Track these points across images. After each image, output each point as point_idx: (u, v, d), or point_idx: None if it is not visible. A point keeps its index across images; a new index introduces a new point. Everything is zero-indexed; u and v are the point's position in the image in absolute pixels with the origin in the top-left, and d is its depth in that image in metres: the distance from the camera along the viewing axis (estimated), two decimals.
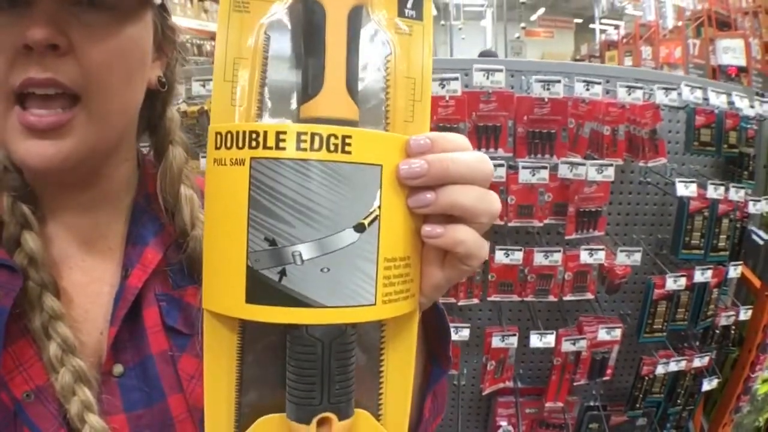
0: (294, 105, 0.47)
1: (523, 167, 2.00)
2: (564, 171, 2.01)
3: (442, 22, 12.00)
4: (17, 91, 0.64)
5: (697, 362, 2.29)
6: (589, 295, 2.20)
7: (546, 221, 2.13)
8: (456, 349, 2.28)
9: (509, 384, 2.32)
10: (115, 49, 0.67)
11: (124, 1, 0.68)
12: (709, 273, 2.19)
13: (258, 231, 0.42)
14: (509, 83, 2.06)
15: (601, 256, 2.11)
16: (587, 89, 1.95)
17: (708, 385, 2.35)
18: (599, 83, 1.95)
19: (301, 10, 0.45)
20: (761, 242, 2.30)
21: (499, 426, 2.38)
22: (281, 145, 0.42)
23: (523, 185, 2.04)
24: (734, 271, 2.26)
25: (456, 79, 1.96)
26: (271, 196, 0.42)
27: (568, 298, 2.19)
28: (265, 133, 0.42)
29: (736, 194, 2.14)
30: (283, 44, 0.46)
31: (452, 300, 2.19)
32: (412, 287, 0.48)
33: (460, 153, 0.49)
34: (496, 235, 2.19)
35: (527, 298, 2.18)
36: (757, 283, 2.36)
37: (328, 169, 0.42)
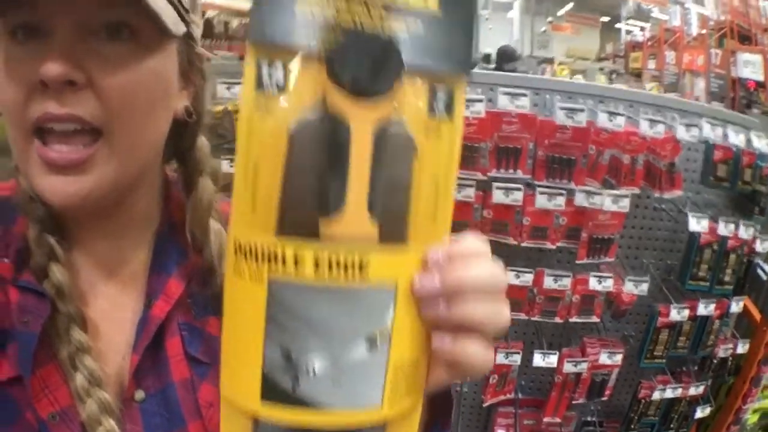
0: (313, 218, 0.45)
1: (541, 193, 2.03)
2: (580, 199, 2.04)
3: None
4: (36, 126, 0.64)
5: (693, 390, 2.35)
6: (595, 319, 2.25)
7: (559, 244, 2.16)
8: None
9: (510, 396, 2.38)
10: (135, 81, 0.66)
11: (143, 32, 0.66)
12: (713, 306, 2.24)
13: (273, 344, 0.44)
14: (533, 101, 2.07)
15: (609, 284, 2.15)
16: (611, 120, 1.97)
17: (701, 412, 2.41)
18: (623, 115, 1.97)
19: (326, 126, 0.44)
20: (765, 278, 2.34)
21: None
22: (299, 267, 0.43)
23: (539, 209, 2.07)
24: (737, 305, 2.31)
25: (480, 101, 1.99)
26: (287, 313, 0.44)
27: (574, 320, 2.24)
28: (284, 254, 0.43)
29: (746, 232, 2.18)
30: (305, 152, 0.44)
31: None
32: (419, 384, 0.50)
33: (476, 265, 0.49)
34: (509, 253, 2.22)
35: (534, 318, 2.22)
36: (757, 316, 2.40)
37: (344, 292, 0.44)
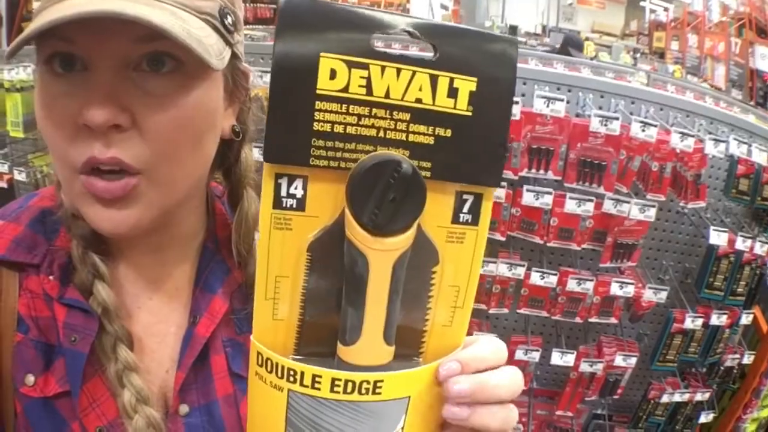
0: (331, 334, 0.47)
1: (570, 198, 2.09)
2: (608, 206, 2.10)
3: None
4: (81, 167, 0.63)
5: (699, 396, 2.44)
6: (614, 320, 2.32)
7: (584, 246, 2.23)
8: None
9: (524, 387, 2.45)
10: (181, 117, 0.64)
11: (187, 62, 0.63)
12: (725, 317, 2.32)
13: None
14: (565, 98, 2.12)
15: (630, 290, 2.22)
16: (643, 130, 2.02)
17: (704, 418, 2.50)
18: (655, 126, 2.02)
19: (346, 254, 0.44)
20: None
21: None
22: (316, 386, 0.45)
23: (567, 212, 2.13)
24: (746, 318, 2.39)
25: (516, 103, 2.03)
26: (304, 421, 0.47)
27: (593, 320, 2.31)
28: (303, 373, 0.45)
29: (761, 248, 2.26)
30: (323, 271, 0.45)
31: (483, 306, 2.30)
32: None
33: (496, 375, 0.51)
34: (533, 253, 2.29)
35: (555, 317, 2.29)
36: (765, 328, 2.49)
37: (358, 408, 0.47)
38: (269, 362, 0.46)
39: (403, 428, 0.50)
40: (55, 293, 0.72)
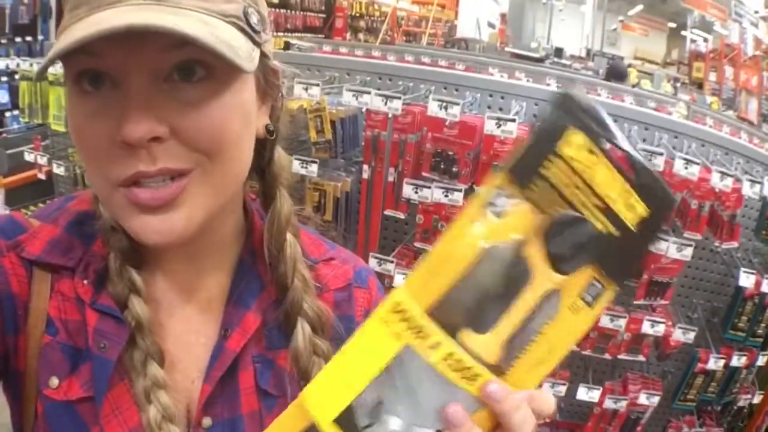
0: (461, 323, 0.53)
1: None
2: None
3: (544, 0, 11.73)
4: (125, 182, 0.62)
5: None
6: (641, 358, 2.29)
7: None
8: None
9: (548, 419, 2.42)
10: (218, 123, 0.64)
11: (218, 70, 0.63)
12: (744, 359, 2.31)
13: (375, 389, 0.53)
14: None
15: (660, 329, 2.19)
16: (686, 167, 1.99)
17: None
18: (698, 164, 1.99)
19: (515, 262, 0.52)
20: None
21: None
22: (433, 351, 0.52)
23: None
24: (762, 358, 2.38)
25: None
26: (401, 376, 0.53)
27: (621, 356, 2.28)
28: (429, 335, 0.52)
29: None
30: (486, 270, 0.52)
31: None
32: None
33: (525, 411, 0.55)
34: None
35: (585, 351, 2.26)
36: None
37: (450, 386, 0.53)
38: (405, 313, 0.52)
39: None
40: (88, 298, 0.71)
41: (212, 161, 0.64)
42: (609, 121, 0.52)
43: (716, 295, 2.37)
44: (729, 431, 2.60)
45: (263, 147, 0.78)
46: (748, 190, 2.07)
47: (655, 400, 2.30)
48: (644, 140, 2.13)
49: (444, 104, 1.92)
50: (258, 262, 0.80)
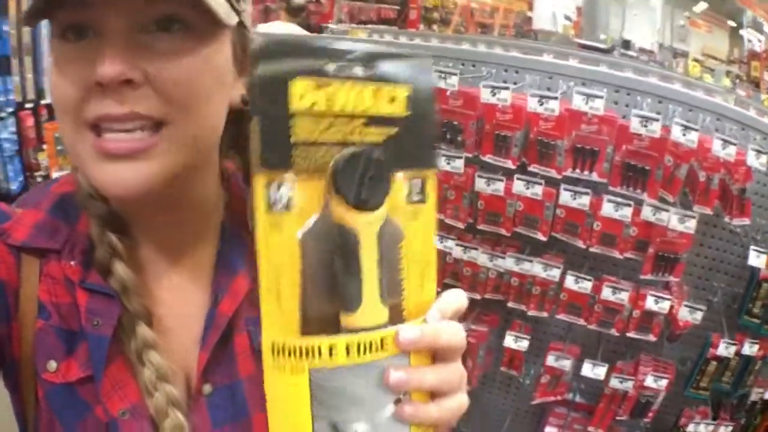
0: (333, 315, 0.53)
1: (608, 201, 2.06)
2: (647, 213, 2.06)
3: None
4: (94, 123, 0.64)
5: (723, 430, 2.33)
6: (652, 338, 2.24)
7: (626, 254, 2.18)
8: (519, 354, 2.41)
9: (560, 397, 2.42)
10: (191, 72, 0.66)
11: (196, 24, 0.66)
12: (756, 347, 2.21)
13: (321, 420, 0.52)
14: (612, 99, 2.11)
15: (665, 306, 2.15)
16: (684, 134, 1.97)
17: None
18: (696, 129, 1.97)
19: (335, 234, 0.52)
20: None
21: None
22: (333, 355, 0.51)
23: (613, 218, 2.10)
24: None
25: (555, 98, 2.03)
26: (328, 393, 0.52)
27: (630, 335, 2.24)
28: (320, 347, 0.51)
29: None
30: (316, 257, 0.52)
31: (523, 307, 2.31)
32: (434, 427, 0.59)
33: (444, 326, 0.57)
34: (574, 257, 2.26)
35: (591, 326, 2.24)
36: None
37: (371, 366, 0.52)
38: (286, 348, 0.51)
39: None
40: (77, 278, 0.73)
41: (182, 116, 0.66)
42: (311, 41, 0.51)
43: (737, 279, 2.28)
44: (744, 427, 2.47)
45: (242, 122, 0.78)
46: (754, 161, 2.01)
47: (663, 383, 2.23)
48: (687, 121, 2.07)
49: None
50: (241, 226, 0.81)
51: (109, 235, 0.73)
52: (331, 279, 0.52)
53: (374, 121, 0.52)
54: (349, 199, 0.50)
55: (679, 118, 2.03)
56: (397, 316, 0.55)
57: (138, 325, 0.72)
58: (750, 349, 2.21)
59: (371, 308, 0.53)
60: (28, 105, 3.86)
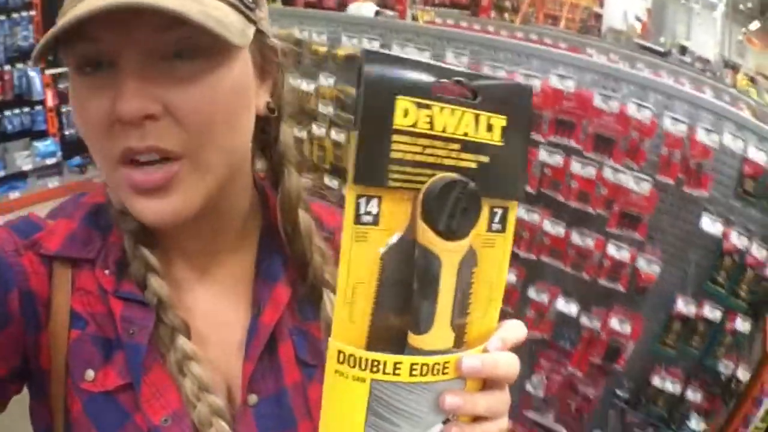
0: (402, 334, 0.53)
1: (576, 161, 2.54)
2: (608, 174, 2.47)
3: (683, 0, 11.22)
4: (119, 158, 0.64)
5: (690, 395, 2.52)
6: (620, 287, 2.58)
7: (599, 210, 2.58)
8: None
9: (543, 335, 2.81)
10: (212, 98, 0.65)
11: (210, 47, 0.64)
12: (718, 313, 2.40)
13: (372, 429, 0.53)
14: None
15: (625, 255, 2.51)
16: (638, 111, 2.37)
17: (696, 425, 2.52)
18: (648, 107, 2.34)
19: (418, 256, 0.51)
20: None
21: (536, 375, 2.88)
22: (397, 372, 0.52)
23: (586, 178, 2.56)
24: (742, 325, 2.39)
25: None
26: (385, 406, 0.53)
27: (602, 282, 2.61)
28: (385, 362, 0.51)
29: (758, 252, 2.30)
30: (395, 274, 0.52)
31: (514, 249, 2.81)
32: None
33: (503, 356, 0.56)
34: (550, 209, 2.69)
35: (566, 268, 2.67)
36: None
37: (429, 387, 0.53)
38: (352, 358, 0.51)
39: None
40: (110, 287, 0.72)
41: (206, 142, 0.66)
42: (415, 60, 0.50)
43: (708, 252, 2.48)
44: (713, 397, 2.57)
45: (268, 125, 0.79)
46: (704, 137, 2.31)
47: (627, 327, 2.53)
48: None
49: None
50: (278, 236, 0.81)
51: (141, 250, 0.73)
52: (406, 298, 0.52)
53: (469, 147, 0.52)
54: (439, 228, 0.50)
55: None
56: (459, 338, 0.55)
57: (177, 337, 0.71)
58: (712, 314, 2.42)
59: (440, 333, 0.53)
60: None
